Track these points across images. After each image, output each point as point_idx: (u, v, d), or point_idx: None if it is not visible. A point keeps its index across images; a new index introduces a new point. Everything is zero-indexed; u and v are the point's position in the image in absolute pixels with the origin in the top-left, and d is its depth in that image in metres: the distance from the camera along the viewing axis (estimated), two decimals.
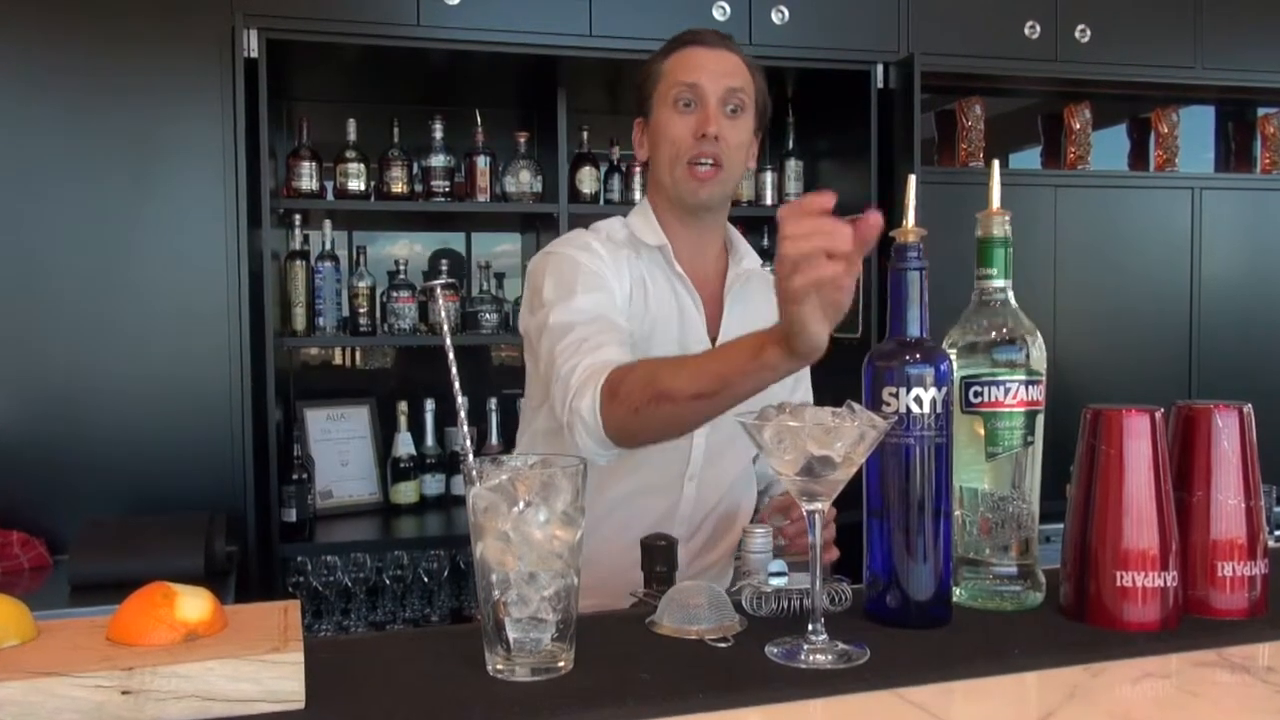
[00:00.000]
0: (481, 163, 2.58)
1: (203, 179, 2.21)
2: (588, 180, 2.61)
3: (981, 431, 0.94)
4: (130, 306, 2.20)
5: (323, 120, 2.58)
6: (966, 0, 2.62)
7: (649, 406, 1.03)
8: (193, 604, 0.73)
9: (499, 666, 0.77)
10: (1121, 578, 0.87)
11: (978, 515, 0.95)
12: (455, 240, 2.92)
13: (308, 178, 2.47)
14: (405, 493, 2.61)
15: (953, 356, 0.95)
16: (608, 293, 1.25)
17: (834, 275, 0.83)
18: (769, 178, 2.82)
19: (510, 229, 2.93)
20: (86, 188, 2.17)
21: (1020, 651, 0.83)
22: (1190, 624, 0.89)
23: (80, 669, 0.66)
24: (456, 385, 0.85)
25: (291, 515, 2.33)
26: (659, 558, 1.01)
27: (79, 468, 2.16)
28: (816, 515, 0.83)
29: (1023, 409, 0.94)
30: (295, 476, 2.36)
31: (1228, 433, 0.92)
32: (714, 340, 1.33)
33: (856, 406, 0.82)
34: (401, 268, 2.57)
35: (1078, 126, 2.85)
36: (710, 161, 1.28)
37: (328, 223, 2.57)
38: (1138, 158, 3.03)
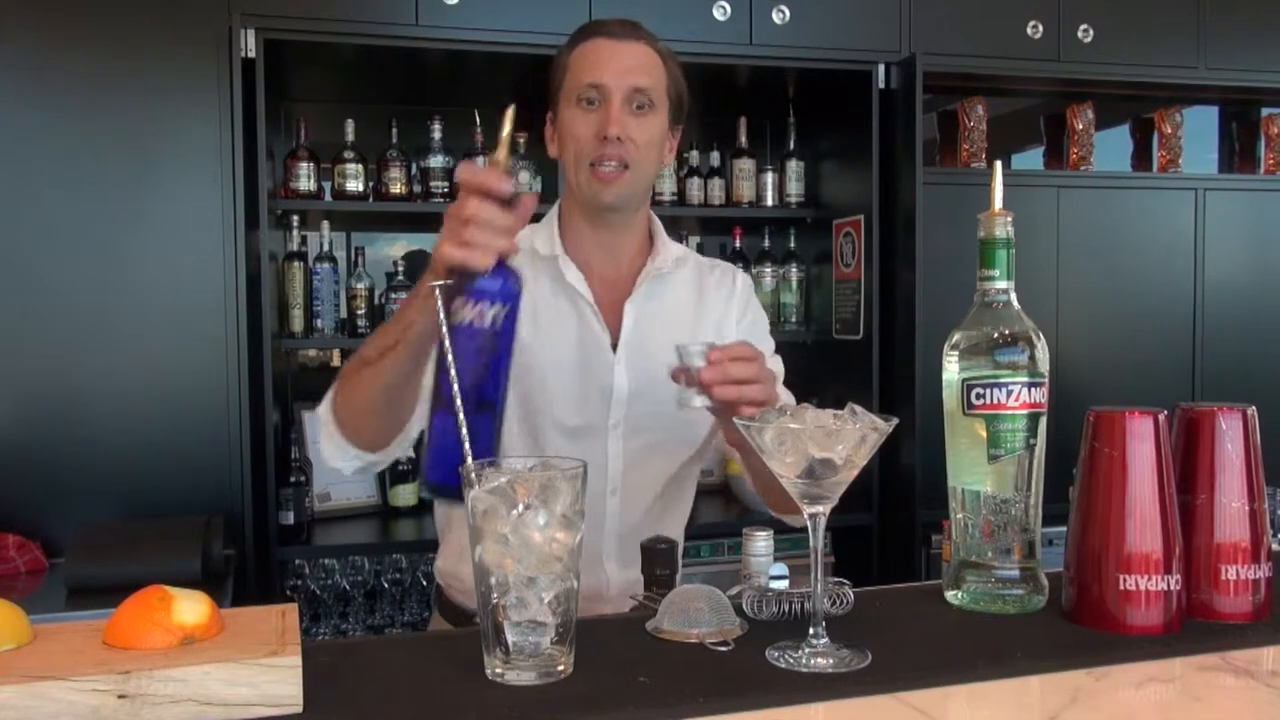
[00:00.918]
0: (481, 163, 2.58)
1: (200, 180, 2.20)
2: None
3: (984, 434, 0.93)
4: (127, 308, 2.19)
5: (321, 121, 2.58)
6: (968, 0, 2.62)
7: (353, 374, 1.12)
8: (190, 607, 0.72)
9: (498, 670, 0.76)
10: (1124, 581, 0.87)
11: (980, 518, 0.95)
12: None
13: (306, 178, 2.47)
14: (403, 495, 2.60)
15: (955, 359, 0.95)
16: None
17: (469, 214, 0.91)
18: (770, 178, 2.81)
19: None
20: (82, 188, 2.17)
21: (1022, 655, 0.82)
22: (1194, 628, 0.89)
23: (77, 673, 0.66)
24: (455, 387, 0.84)
25: (289, 518, 2.32)
26: (659, 561, 1.00)
27: (75, 470, 2.16)
28: (819, 519, 0.82)
29: (1025, 411, 0.93)
30: (293, 479, 2.36)
31: (1231, 435, 0.91)
32: (614, 347, 1.29)
33: (858, 409, 0.81)
34: (400, 269, 2.57)
35: (1080, 127, 2.85)
36: (615, 163, 1.23)
37: (326, 224, 2.57)
38: (1141, 158, 3.02)
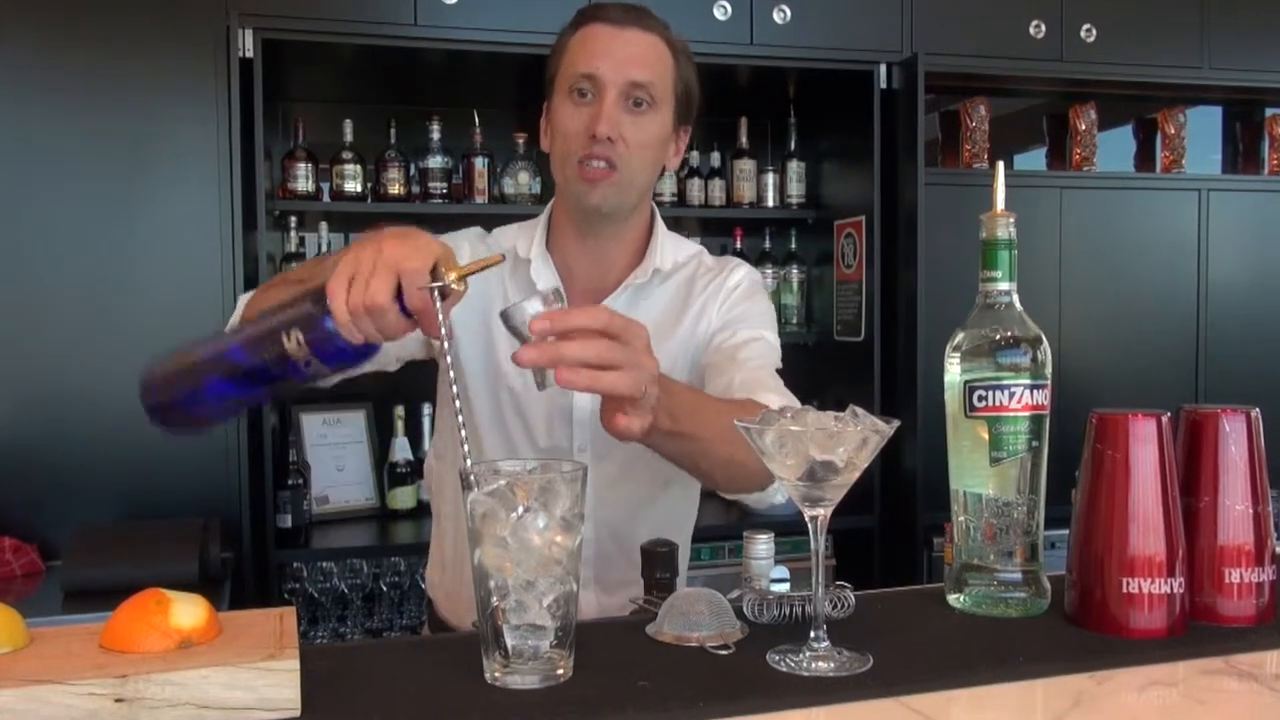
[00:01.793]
0: (479, 164, 2.58)
1: (197, 180, 2.19)
2: None
3: (986, 436, 0.93)
4: (124, 310, 2.18)
5: (319, 121, 2.58)
6: (971, 0, 2.61)
7: (278, 284, 1.06)
8: (187, 611, 0.72)
9: (497, 674, 0.76)
10: (1127, 584, 0.86)
11: (982, 521, 0.94)
12: None
13: (304, 179, 2.47)
14: (402, 498, 2.60)
15: (957, 361, 0.95)
16: None
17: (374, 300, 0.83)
18: (770, 179, 2.81)
19: None
20: (79, 189, 2.16)
21: (1025, 659, 0.82)
22: (1197, 631, 0.88)
23: (73, 676, 0.66)
24: (455, 389, 0.84)
25: (287, 521, 2.31)
26: (659, 564, 1.00)
27: (72, 473, 2.15)
28: (820, 521, 0.82)
29: (1027, 413, 0.93)
30: (291, 482, 2.34)
31: (1235, 437, 0.91)
32: None
33: (859, 411, 0.81)
34: None
35: (1083, 127, 2.84)
36: (602, 163, 1.13)
37: (324, 225, 2.57)
38: (1144, 159, 3.02)
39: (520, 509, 0.74)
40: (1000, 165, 0.98)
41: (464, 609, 1.27)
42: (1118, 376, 2.75)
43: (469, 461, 0.79)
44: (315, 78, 2.62)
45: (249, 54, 2.16)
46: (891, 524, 2.58)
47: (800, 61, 2.51)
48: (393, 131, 2.56)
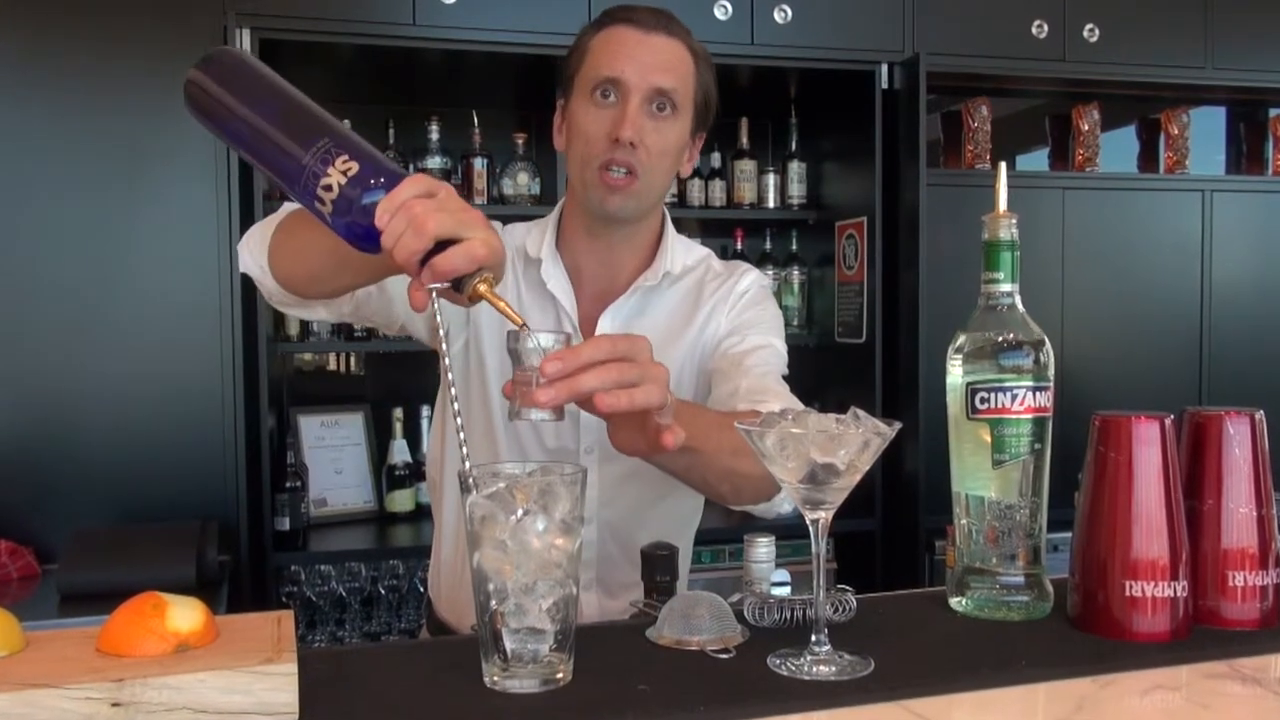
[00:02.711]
0: (479, 164, 2.57)
1: (195, 181, 2.19)
2: None
3: (988, 438, 0.92)
4: (121, 311, 2.18)
5: None
6: None
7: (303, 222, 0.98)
8: (184, 614, 0.72)
9: (496, 678, 0.76)
10: (1131, 587, 0.86)
11: (984, 524, 0.94)
12: None
13: None
14: (401, 501, 2.59)
15: (959, 363, 0.94)
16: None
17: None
18: (771, 180, 2.81)
19: None
20: (76, 190, 2.16)
21: (1027, 662, 0.81)
22: (1200, 635, 0.88)
23: (69, 680, 0.65)
24: (453, 391, 0.84)
25: (285, 524, 2.30)
26: (659, 567, 0.99)
27: (68, 475, 2.15)
28: (821, 524, 0.81)
29: (1030, 416, 0.92)
30: (288, 484, 2.34)
31: (1239, 440, 0.90)
32: None
33: (861, 413, 0.80)
34: None
35: (1086, 128, 2.84)
36: (623, 170, 1.13)
37: None
38: (1147, 159, 3.01)
39: (519, 512, 0.74)
40: (1002, 166, 0.98)
41: (463, 610, 1.26)
42: (1121, 378, 2.74)
43: (468, 464, 0.79)
44: (313, 78, 2.62)
45: None
46: (893, 527, 2.58)
47: (801, 61, 2.50)
48: (391, 132, 2.56)
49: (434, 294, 0.81)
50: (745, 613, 0.91)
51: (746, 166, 2.79)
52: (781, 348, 1.24)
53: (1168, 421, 0.87)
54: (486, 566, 0.75)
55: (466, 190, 2.58)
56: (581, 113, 1.15)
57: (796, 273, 2.90)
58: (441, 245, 0.79)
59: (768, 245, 2.95)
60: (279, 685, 0.68)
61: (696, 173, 2.76)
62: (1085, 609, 0.89)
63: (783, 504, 1.07)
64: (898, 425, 0.79)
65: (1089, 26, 2.66)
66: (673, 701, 0.73)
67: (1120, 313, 2.76)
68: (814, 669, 0.79)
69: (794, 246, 2.93)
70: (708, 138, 1.27)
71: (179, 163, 2.20)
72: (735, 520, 2.51)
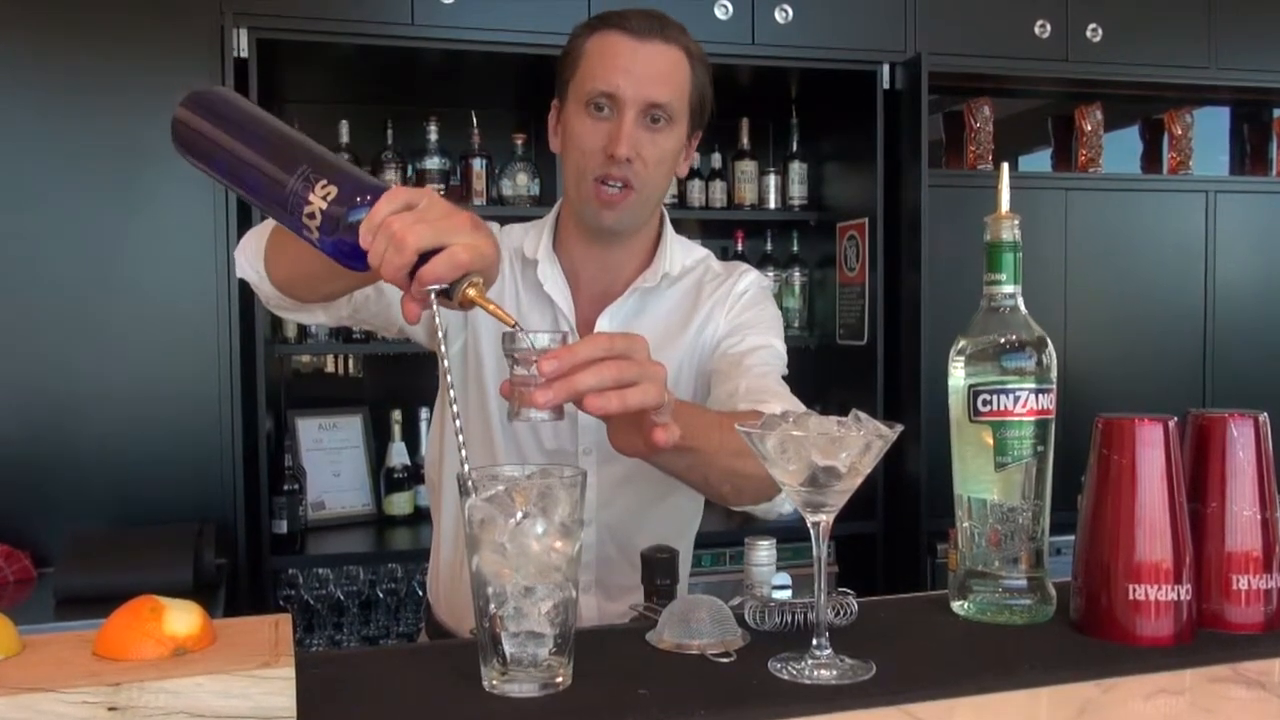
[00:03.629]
0: (477, 165, 2.57)
1: (192, 182, 2.17)
2: None
3: (990, 441, 0.92)
4: (118, 313, 2.17)
5: (315, 122, 2.56)
6: None
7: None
8: (181, 618, 0.71)
9: (495, 682, 0.75)
10: (1134, 591, 0.85)
11: (987, 527, 0.93)
12: None
13: None
14: (399, 504, 2.58)
15: (961, 365, 0.94)
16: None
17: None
18: (772, 180, 2.80)
19: None
20: (73, 190, 2.15)
21: (1030, 666, 0.81)
22: (1204, 638, 0.87)
23: (66, 684, 0.65)
24: (452, 393, 0.83)
25: (282, 527, 2.29)
26: (660, 570, 0.99)
27: (65, 478, 2.14)
28: (822, 527, 0.81)
29: (1033, 418, 0.92)
30: (286, 487, 2.33)
31: (1243, 442, 0.90)
32: None
33: (862, 416, 0.80)
34: None
35: (1089, 128, 2.83)
36: (619, 185, 1.13)
37: None
38: (1150, 160, 3.00)
39: (519, 515, 0.74)
40: (1005, 166, 0.97)
41: (462, 614, 1.26)
42: (1124, 380, 2.73)
43: (467, 467, 0.79)
44: (311, 78, 2.61)
45: (244, 54, 2.14)
46: (895, 530, 2.57)
47: (802, 62, 2.50)
48: (390, 132, 2.56)
49: (433, 300, 0.81)
50: (746, 616, 0.91)
51: (747, 167, 2.79)
52: (781, 348, 1.24)
53: (1171, 424, 0.87)
54: (485, 570, 0.75)
55: (465, 191, 2.58)
56: (576, 124, 1.15)
57: (797, 274, 2.89)
58: (428, 255, 0.79)
59: (768, 246, 2.94)
60: (276, 689, 0.68)
61: (697, 173, 2.76)
62: (1088, 612, 0.89)
63: (784, 504, 1.06)
64: (899, 428, 0.79)
65: (1092, 26, 2.65)
66: (673, 706, 0.73)
67: (1123, 314, 2.75)
68: (815, 673, 0.79)
69: (795, 248, 2.92)
70: (708, 139, 1.27)
71: (177, 164, 2.15)
72: (736, 523, 2.52)
